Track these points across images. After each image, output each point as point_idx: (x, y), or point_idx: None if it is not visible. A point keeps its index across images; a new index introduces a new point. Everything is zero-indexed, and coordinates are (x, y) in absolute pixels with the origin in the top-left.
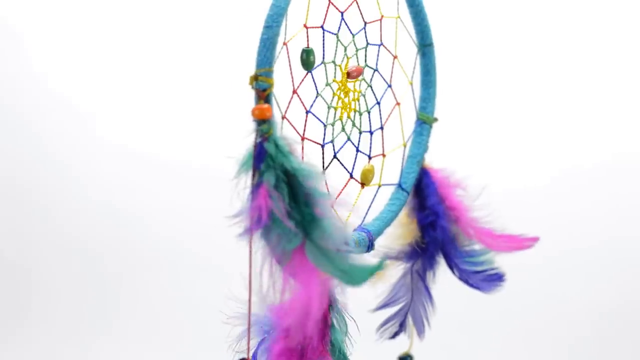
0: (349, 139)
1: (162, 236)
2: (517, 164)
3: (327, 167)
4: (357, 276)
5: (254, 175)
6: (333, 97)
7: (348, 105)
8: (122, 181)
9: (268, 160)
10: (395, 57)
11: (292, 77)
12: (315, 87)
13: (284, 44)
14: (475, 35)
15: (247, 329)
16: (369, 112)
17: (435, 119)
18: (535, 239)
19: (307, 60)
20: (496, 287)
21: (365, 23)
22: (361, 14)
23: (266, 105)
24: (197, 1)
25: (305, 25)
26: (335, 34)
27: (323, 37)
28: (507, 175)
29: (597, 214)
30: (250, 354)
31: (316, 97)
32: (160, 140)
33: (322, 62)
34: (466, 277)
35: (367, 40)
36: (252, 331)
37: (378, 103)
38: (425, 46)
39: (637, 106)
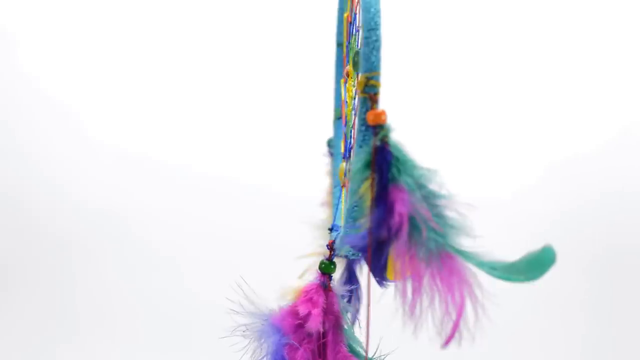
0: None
1: (156, 239)
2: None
3: None
4: (532, 272)
5: (373, 181)
6: (352, 100)
7: (354, 108)
8: (112, 181)
9: (398, 165)
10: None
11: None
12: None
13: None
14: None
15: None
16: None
17: None
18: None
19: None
20: None
21: (353, 23)
22: (354, 13)
23: (381, 110)
24: (187, 4)
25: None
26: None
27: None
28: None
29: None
30: None
31: (353, 99)
32: (155, 141)
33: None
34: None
35: (356, 41)
36: (261, 340)
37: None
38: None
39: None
